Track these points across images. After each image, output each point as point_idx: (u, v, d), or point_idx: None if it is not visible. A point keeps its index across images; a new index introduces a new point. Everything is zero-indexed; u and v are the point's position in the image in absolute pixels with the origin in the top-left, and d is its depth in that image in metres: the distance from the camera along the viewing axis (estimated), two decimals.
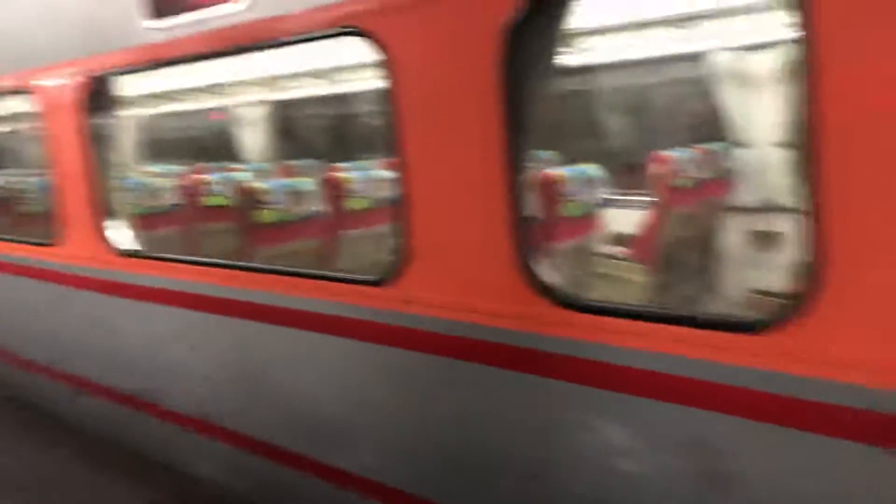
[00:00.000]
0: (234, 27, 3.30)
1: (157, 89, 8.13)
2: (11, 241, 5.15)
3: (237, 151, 9.40)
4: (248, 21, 3.24)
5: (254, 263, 3.57)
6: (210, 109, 10.72)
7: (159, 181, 5.58)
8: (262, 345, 3.55)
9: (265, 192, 4.21)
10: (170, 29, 3.61)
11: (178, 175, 8.63)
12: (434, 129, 2.69)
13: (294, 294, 3.32)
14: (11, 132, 13.02)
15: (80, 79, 4.09)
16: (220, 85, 8.45)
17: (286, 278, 3.38)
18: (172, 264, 3.95)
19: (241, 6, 3.28)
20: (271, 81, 8.40)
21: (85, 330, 4.60)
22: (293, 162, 8.09)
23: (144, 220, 4.90)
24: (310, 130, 10.20)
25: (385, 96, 2.72)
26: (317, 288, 3.23)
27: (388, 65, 2.70)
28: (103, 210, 4.22)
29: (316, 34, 3.04)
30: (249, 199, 4.17)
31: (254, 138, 9.16)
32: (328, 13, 2.94)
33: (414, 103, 2.72)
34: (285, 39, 3.13)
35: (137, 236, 4.42)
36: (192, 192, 5.46)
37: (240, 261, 4.39)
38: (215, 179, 5.56)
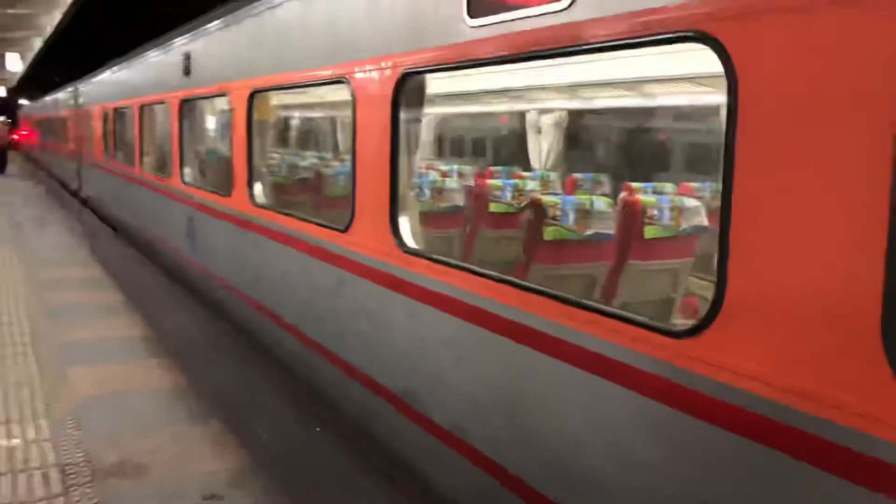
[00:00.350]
0: (551, 28, 3.00)
1: (455, 89, 8.27)
2: (308, 221, 5.45)
3: (526, 157, 9.34)
4: (568, 22, 2.95)
5: (533, 284, 3.24)
6: (503, 113, 10.85)
7: (449, 181, 5.53)
8: (531, 374, 3.22)
9: (555, 206, 3.88)
10: (486, 27, 3.42)
11: (467, 175, 8.84)
12: (788, 159, 2.15)
13: (572, 326, 2.94)
14: (314, 119, 14.55)
15: (394, 73, 4.11)
16: (519, 89, 8.38)
17: (567, 307, 3.01)
18: (452, 270, 3.79)
19: (561, 5, 2.97)
20: (570, 89, 8.14)
21: (359, 318, 4.68)
22: (581, 175, 7.74)
23: (431, 219, 4.84)
24: (605, 143, 9.78)
25: (724, 113, 2.34)
26: (599, 324, 2.82)
27: (735, 78, 2.25)
28: (396, 203, 4.21)
29: (646, 39, 2.62)
30: (537, 213, 3.87)
31: (545, 146, 8.96)
32: (663, 16, 2.51)
33: (762, 126, 2.24)
34: (611, 43, 2.76)
35: (422, 234, 4.38)
36: (479, 197, 5.34)
37: (517, 276, 4.13)
38: (503, 186, 5.37)
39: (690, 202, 4.28)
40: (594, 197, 4.05)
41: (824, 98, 2.09)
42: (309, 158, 10.48)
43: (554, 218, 3.91)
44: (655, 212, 4.12)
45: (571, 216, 3.94)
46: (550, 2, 3.05)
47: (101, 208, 15.64)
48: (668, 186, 6.39)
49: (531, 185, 5.50)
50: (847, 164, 2.04)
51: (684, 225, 4.23)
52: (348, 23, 4.73)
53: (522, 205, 5.44)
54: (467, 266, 3.70)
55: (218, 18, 7.37)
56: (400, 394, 4.24)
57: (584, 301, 2.97)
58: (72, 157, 20.28)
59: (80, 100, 18.31)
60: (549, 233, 3.91)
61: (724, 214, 2.37)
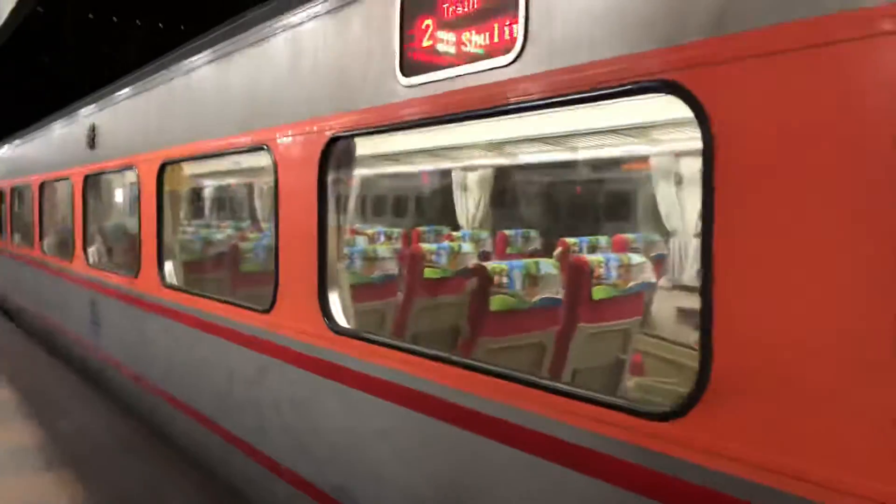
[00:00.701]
0: (495, 85, 2.75)
1: (379, 150, 7.99)
2: (224, 302, 4.96)
3: (448, 215, 9.09)
4: (515, 78, 2.72)
5: (479, 361, 2.88)
6: (424, 172, 10.64)
7: (381, 249, 5.15)
8: (482, 464, 2.82)
9: (501, 272, 3.55)
10: (420, 86, 3.13)
11: (394, 238, 8.50)
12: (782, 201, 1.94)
13: (529, 409, 2.61)
14: (230, 187, 14.03)
15: (321, 137, 3.76)
16: (444, 148, 8.17)
17: (521, 388, 2.66)
18: (388, 350, 3.38)
19: (506, 59, 2.73)
20: (497, 146, 8.00)
21: (284, 408, 4.18)
22: (511, 232, 7.52)
23: (361, 291, 4.44)
24: (532, 198, 9.65)
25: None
26: (560, 407, 2.49)
27: (707, 124, 2.10)
28: (324, 278, 3.80)
29: (603, 90, 2.39)
30: (482, 281, 3.53)
31: (472, 203, 8.73)
32: (623, 65, 2.31)
33: (737, 177, 2.04)
34: (562, 97, 2.51)
35: (354, 310, 3.97)
36: (413, 263, 4.97)
37: (462, 353, 3.76)
38: (438, 250, 5.03)
39: (636, 258, 4.05)
40: (540, 260, 3.75)
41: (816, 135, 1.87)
42: (225, 230, 9.90)
43: (499, 285, 3.57)
44: (602, 270, 3.86)
45: (518, 282, 3.61)
46: (494, 56, 2.80)
47: None
48: (603, 240, 6.21)
49: (466, 247, 5.18)
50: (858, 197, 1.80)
51: (632, 283, 3.98)
52: (268, 85, 4.37)
53: (459, 269, 5.11)
54: (405, 346, 3.31)
55: (126, 86, 6.88)
56: (332, 492, 3.75)
57: (547, 381, 2.62)
58: None
59: None
60: (495, 302, 3.56)
61: (705, 274, 2.09)
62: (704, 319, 2.10)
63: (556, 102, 2.64)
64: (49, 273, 9.64)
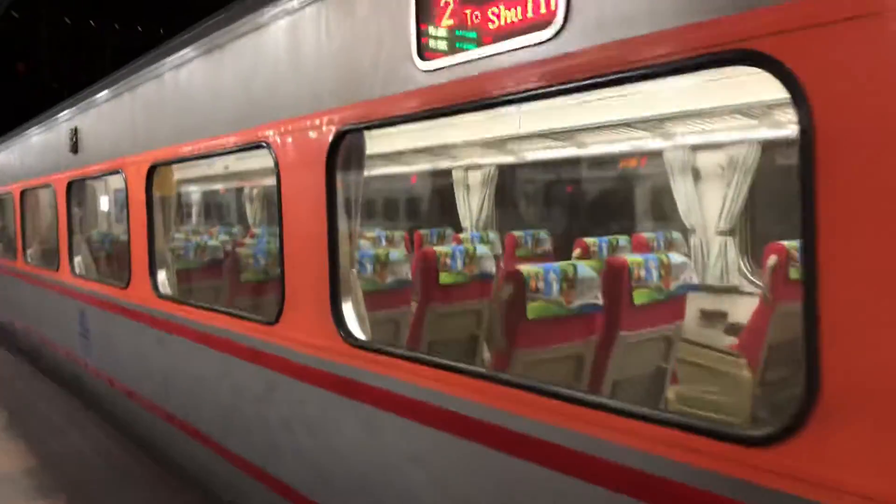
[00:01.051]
0: (533, 65, 2.48)
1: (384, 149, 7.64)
2: (226, 313, 4.61)
3: (448, 216, 8.78)
4: (556, 56, 2.43)
5: (523, 378, 2.57)
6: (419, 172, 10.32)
7: (394, 252, 4.81)
8: (536, 495, 2.50)
9: (537, 276, 3.22)
10: (443, 70, 2.82)
11: (396, 241, 8.15)
12: None
13: (590, 433, 2.32)
14: (224, 189, 13.63)
15: (328, 131, 3.43)
16: (443, 146, 7.85)
17: (579, 409, 2.35)
18: (415, 365, 3.06)
19: (544, 35, 2.44)
20: (499, 143, 7.68)
21: (296, 429, 3.84)
22: (520, 233, 7.18)
23: (373, 299, 4.11)
24: (537, 197, 9.35)
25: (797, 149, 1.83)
26: (628, 430, 2.21)
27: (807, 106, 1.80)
28: (337, 285, 3.47)
29: (666, 66, 2.09)
30: (518, 287, 3.20)
31: (475, 203, 8.41)
32: (693, 35, 2.03)
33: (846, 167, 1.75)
34: (616, 75, 2.21)
35: (366, 320, 3.64)
36: (427, 267, 4.64)
37: (498, 366, 3.43)
38: (453, 252, 4.70)
39: (677, 258, 3.74)
40: (577, 263, 3.43)
41: None
42: (221, 235, 9.52)
43: (536, 291, 3.25)
44: (642, 272, 3.55)
45: (556, 287, 3.29)
46: (529, 32, 2.49)
47: None
48: (623, 239, 5.91)
49: (482, 249, 4.86)
50: None
51: (674, 285, 3.68)
52: (267, 78, 4.03)
53: (476, 273, 4.78)
54: (437, 360, 2.97)
55: (111, 85, 6.49)
56: None
57: (613, 402, 2.31)
58: None
59: None
60: (533, 309, 3.24)
61: (807, 272, 1.79)
62: (808, 323, 1.79)
63: (609, 81, 2.34)
64: (34, 285, 9.22)
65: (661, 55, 2.12)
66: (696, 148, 6.01)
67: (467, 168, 8.25)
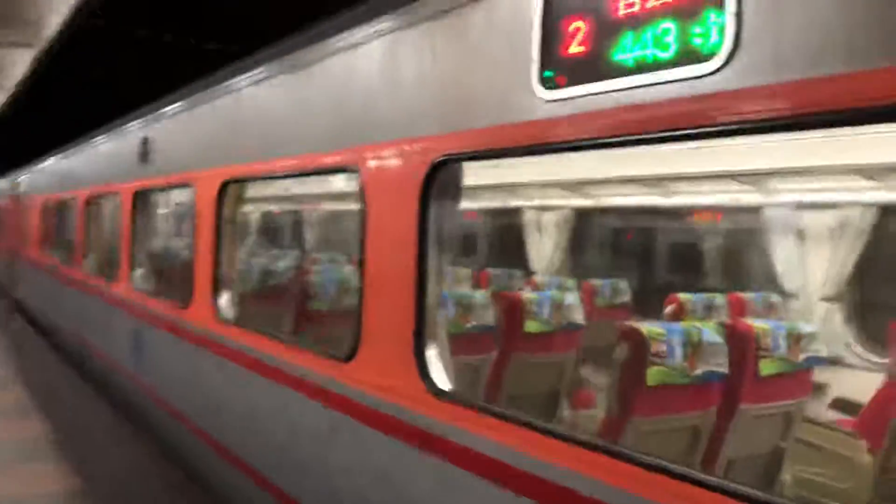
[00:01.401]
0: (684, 101, 2.15)
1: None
2: (294, 345, 4.31)
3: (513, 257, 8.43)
4: (718, 92, 2.10)
5: (661, 459, 2.16)
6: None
7: (479, 294, 4.45)
8: None
9: (659, 338, 2.82)
10: (569, 101, 2.51)
11: (462, 281, 7.80)
12: None
13: None
14: (299, 212, 13.52)
15: (425, 160, 3.14)
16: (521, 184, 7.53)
17: (693, 489, 1.96)
18: (513, 426, 2.68)
19: (704, 68, 2.10)
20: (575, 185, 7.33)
21: (362, 479, 3.48)
22: (599, 281, 6.77)
23: (455, 344, 3.76)
24: (621, 246, 8.95)
25: None
26: None
27: None
28: (422, 327, 3.13)
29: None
30: (639, 349, 2.80)
31: (548, 246, 8.03)
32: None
33: None
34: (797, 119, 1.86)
35: (450, 367, 3.28)
36: (510, 313, 4.27)
37: (611, 435, 3.02)
38: (540, 300, 4.32)
39: (807, 326, 3.31)
40: (701, 326, 3.03)
41: None
42: (288, 259, 9.31)
43: (657, 355, 2.86)
44: (769, 341, 3.12)
45: (679, 351, 2.89)
46: (682, 65, 2.15)
47: (35, 312, 14.04)
48: (719, 298, 5.45)
49: (570, 298, 4.47)
50: None
51: (802, 356, 3.24)
52: (360, 97, 3.77)
53: (564, 323, 4.39)
54: (540, 424, 2.59)
55: (187, 96, 6.36)
56: None
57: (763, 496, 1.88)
58: (6, 253, 18.70)
59: (20, 189, 16.99)
60: (653, 375, 2.84)
61: None
62: None
63: (787, 126, 1.98)
64: (92, 294, 9.14)
65: (857, 100, 1.76)
66: (800, 206, 5.57)
67: (542, 208, 7.91)
